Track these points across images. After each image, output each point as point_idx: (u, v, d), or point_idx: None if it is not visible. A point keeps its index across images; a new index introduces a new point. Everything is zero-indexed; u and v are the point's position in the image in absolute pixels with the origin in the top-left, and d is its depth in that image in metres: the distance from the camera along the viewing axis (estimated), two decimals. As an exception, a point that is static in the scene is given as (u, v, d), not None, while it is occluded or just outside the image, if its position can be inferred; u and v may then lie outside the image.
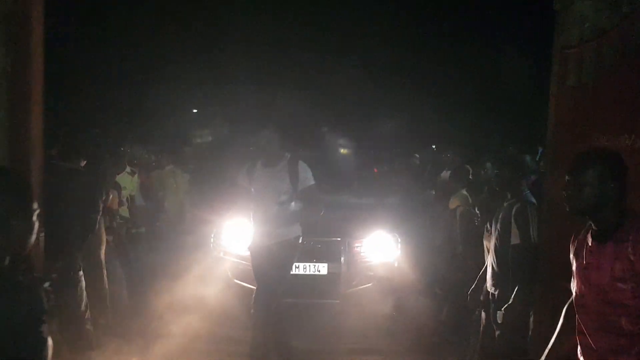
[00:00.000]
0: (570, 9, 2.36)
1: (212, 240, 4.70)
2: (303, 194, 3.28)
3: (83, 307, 2.88)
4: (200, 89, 5.15)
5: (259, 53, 5.74)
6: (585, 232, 1.68)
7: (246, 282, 4.26)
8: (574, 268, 1.70)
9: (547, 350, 1.82)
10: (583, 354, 1.67)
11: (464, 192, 3.80)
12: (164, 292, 3.97)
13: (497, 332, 2.69)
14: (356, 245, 4.34)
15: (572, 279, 1.71)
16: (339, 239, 4.32)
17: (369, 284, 4.26)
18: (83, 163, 3.03)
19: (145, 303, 3.94)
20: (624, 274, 1.51)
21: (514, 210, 2.57)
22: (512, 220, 2.53)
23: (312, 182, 3.32)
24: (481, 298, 2.85)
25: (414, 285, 4.16)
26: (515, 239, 2.52)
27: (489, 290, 2.75)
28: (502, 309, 2.54)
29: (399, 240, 4.44)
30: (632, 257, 1.49)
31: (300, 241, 3.38)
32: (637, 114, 2.09)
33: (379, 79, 5.01)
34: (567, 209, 1.63)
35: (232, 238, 4.49)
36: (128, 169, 4.54)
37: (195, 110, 4.92)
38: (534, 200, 2.56)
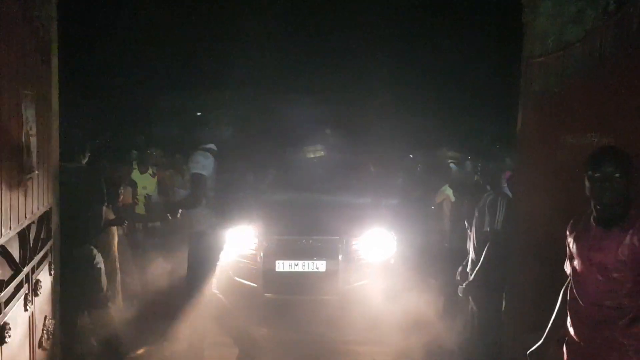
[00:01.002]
0: (536, 22, 2.71)
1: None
2: None
3: (104, 291, 3.27)
4: (205, 92, 5.45)
5: (260, 53, 6.04)
6: (587, 219, 1.92)
7: (246, 280, 4.55)
8: (574, 250, 1.94)
9: (547, 330, 2.06)
10: (572, 325, 1.93)
11: (447, 187, 4.24)
12: (171, 286, 4.30)
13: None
14: (354, 243, 4.53)
15: (570, 260, 1.96)
16: (337, 237, 4.51)
17: (366, 281, 4.44)
18: (84, 161, 3.40)
19: (152, 294, 4.25)
20: (626, 257, 1.76)
21: (488, 200, 2.92)
22: (486, 210, 2.87)
23: (191, 171, 3.42)
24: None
25: (410, 280, 4.46)
26: (486, 226, 2.86)
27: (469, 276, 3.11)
28: (463, 284, 2.91)
29: (395, 237, 4.66)
30: (636, 243, 1.75)
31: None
32: (602, 115, 2.39)
33: (377, 83, 5.30)
34: (601, 201, 1.80)
35: (232, 239, 4.90)
36: (150, 170, 5.05)
37: (199, 114, 5.22)
38: (508, 192, 2.90)
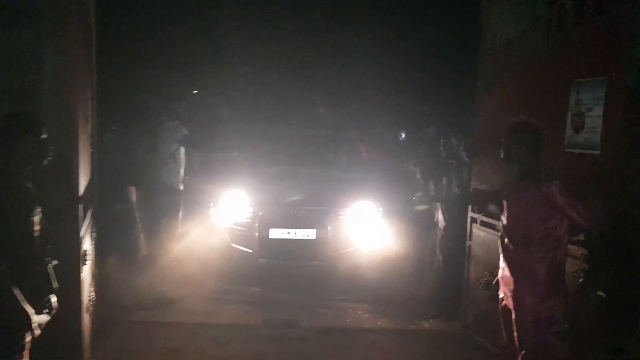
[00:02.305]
0: (489, 22, 3.36)
1: (211, 209, 5.61)
2: None
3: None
4: (200, 70, 5.88)
5: (251, 31, 6.44)
6: (513, 180, 2.53)
7: (242, 246, 5.03)
8: (505, 206, 2.56)
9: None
10: (504, 258, 2.54)
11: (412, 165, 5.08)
12: (173, 252, 4.91)
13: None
14: (342, 213, 5.02)
15: (503, 214, 2.57)
16: (327, 207, 5.01)
17: (353, 248, 4.95)
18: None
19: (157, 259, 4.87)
20: (533, 202, 2.37)
21: (452, 167, 3.61)
22: (452, 175, 3.57)
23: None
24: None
25: (393, 248, 5.13)
26: (454, 187, 3.56)
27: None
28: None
29: (381, 209, 5.19)
30: (538, 195, 2.35)
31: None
32: (529, 100, 3.09)
33: (368, 65, 5.78)
34: (504, 159, 2.50)
35: (229, 207, 5.21)
36: None
37: (195, 92, 5.63)
38: (468, 160, 3.63)
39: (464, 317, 3.84)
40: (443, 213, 4.11)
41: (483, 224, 3.50)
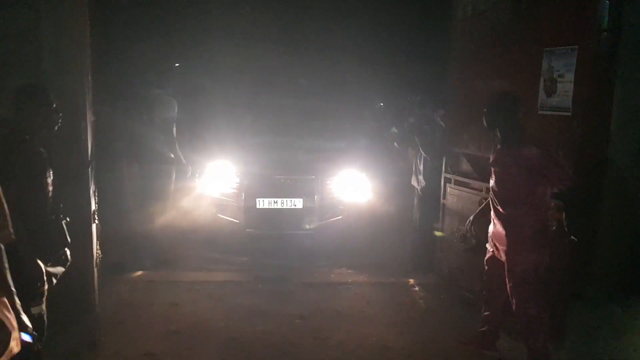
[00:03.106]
0: None
1: (197, 179, 6.29)
2: None
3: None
4: (181, 42, 6.45)
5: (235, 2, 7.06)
6: (497, 147, 3.15)
7: (228, 217, 5.69)
8: (492, 172, 3.18)
9: (471, 218, 3.46)
10: (495, 217, 3.19)
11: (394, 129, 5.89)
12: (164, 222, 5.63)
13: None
14: (328, 182, 5.69)
15: (492, 178, 3.20)
16: (313, 176, 5.65)
17: (340, 217, 5.65)
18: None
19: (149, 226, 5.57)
20: (517, 166, 2.95)
21: (429, 132, 4.44)
22: (428, 137, 4.44)
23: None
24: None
25: (377, 213, 5.92)
26: (429, 151, 4.45)
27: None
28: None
29: (367, 178, 5.89)
30: (520, 159, 2.94)
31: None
32: (501, 68, 3.81)
33: (348, 38, 6.48)
34: (486, 126, 3.10)
35: (215, 177, 5.87)
36: None
37: (177, 65, 6.22)
38: (442, 124, 4.48)
39: (439, 269, 4.70)
40: (419, 175, 4.96)
41: (457, 183, 4.32)
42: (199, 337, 3.65)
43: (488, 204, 3.38)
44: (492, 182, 3.24)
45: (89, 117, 3.53)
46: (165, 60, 5.93)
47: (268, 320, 3.91)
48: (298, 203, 5.66)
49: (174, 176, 5.51)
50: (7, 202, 2.38)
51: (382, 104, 7.11)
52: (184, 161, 5.63)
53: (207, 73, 6.61)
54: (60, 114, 3.01)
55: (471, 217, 3.55)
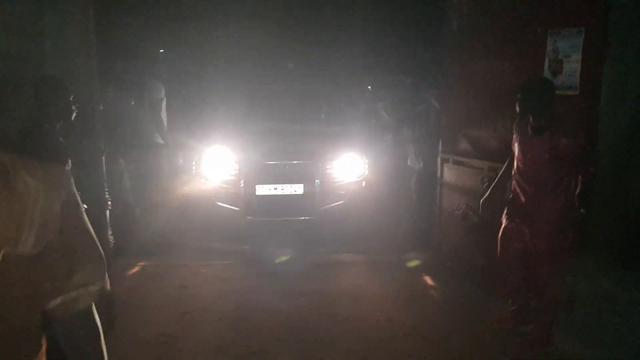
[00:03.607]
0: None
1: (194, 166, 6.70)
2: None
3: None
4: (170, 25, 6.85)
5: None
6: (524, 126, 3.43)
7: (228, 204, 6.05)
8: (516, 145, 3.48)
9: (493, 185, 3.77)
10: (520, 190, 3.46)
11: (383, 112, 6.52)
12: (158, 213, 6.09)
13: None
14: (328, 167, 6.07)
15: (514, 150, 3.51)
16: (313, 161, 6.01)
17: (341, 202, 6.06)
18: None
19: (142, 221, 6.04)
20: (549, 155, 3.25)
21: (424, 113, 4.92)
22: (424, 119, 4.91)
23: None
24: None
25: (379, 198, 6.40)
26: (419, 130, 4.89)
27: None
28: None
29: (366, 161, 6.35)
30: (555, 146, 3.23)
31: None
32: (503, 49, 4.24)
33: (343, 20, 6.99)
34: (519, 112, 3.32)
35: (213, 164, 6.22)
36: None
37: (162, 50, 6.62)
38: (437, 105, 4.99)
39: (438, 247, 5.20)
40: (416, 156, 5.44)
41: (455, 162, 4.79)
42: (210, 317, 4.11)
43: (498, 184, 3.79)
44: (518, 162, 3.54)
45: (99, 107, 3.96)
46: (158, 47, 6.37)
47: (274, 300, 4.39)
48: (298, 189, 6.02)
49: (164, 161, 5.95)
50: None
51: (370, 87, 7.64)
52: (169, 146, 6.08)
53: (203, 59, 7.08)
54: (77, 104, 3.42)
55: (483, 199, 3.86)
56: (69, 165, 3.29)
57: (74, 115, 3.39)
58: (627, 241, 4.04)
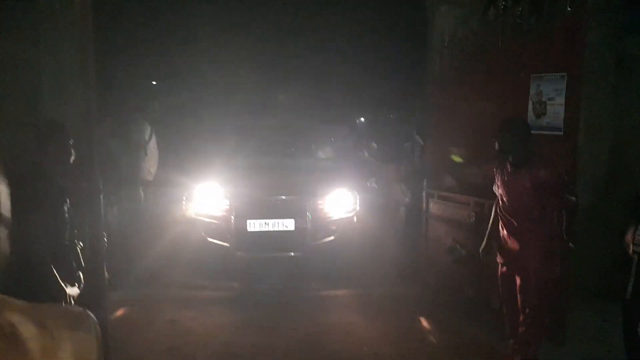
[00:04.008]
0: (435, 22, 5.10)
1: (183, 202, 7.08)
2: None
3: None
4: (161, 62, 7.38)
5: (222, 31, 8.05)
6: (504, 163, 3.85)
7: (218, 240, 6.35)
8: (499, 182, 3.88)
9: (487, 233, 4.13)
10: (504, 227, 3.86)
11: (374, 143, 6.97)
12: (149, 249, 6.44)
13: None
14: (319, 202, 6.41)
15: (497, 188, 3.91)
16: (305, 197, 6.34)
17: (332, 237, 6.39)
18: None
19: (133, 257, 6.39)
20: (530, 185, 3.62)
21: (409, 150, 5.40)
22: (409, 156, 5.39)
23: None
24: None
25: (369, 232, 6.77)
26: (410, 168, 5.37)
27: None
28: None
29: (357, 196, 6.76)
30: (535, 178, 3.62)
31: None
32: (485, 90, 4.73)
33: (334, 62, 7.71)
34: (500, 150, 3.73)
35: (203, 199, 6.57)
36: None
37: (154, 82, 7.11)
38: (421, 141, 5.46)
39: (425, 279, 5.58)
40: (403, 191, 5.88)
41: (440, 197, 5.22)
42: (199, 352, 4.43)
43: (491, 231, 4.14)
44: (502, 196, 3.93)
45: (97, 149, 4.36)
46: (150, 80, 6.89)
47: (264, 334, 4.72)
48: (290, 224, 6.33)
49: (152, 197, 6.36)
50: (31, 228, 3.18)
51: (362, 119, 8.24)
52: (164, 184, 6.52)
53: (195, 95, 7.60)
54: (75, 148, 3.80)
55: (481, 249, 4.22)
56: (67, 205, 3.67)
57: (73, 157, 3.77)
58: (610, 272, 4.41)
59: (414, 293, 5.72)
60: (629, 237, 3.25)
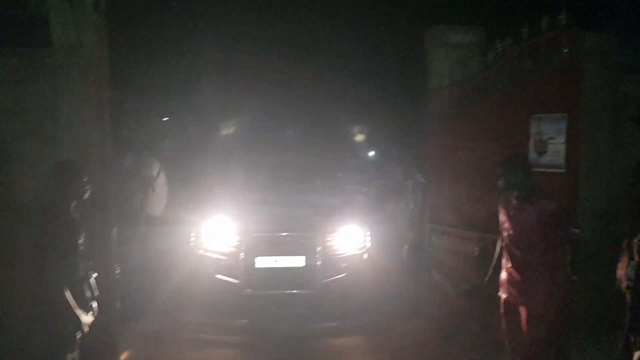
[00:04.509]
0: (433, 64, 5.56)
1: (192, 239, 7.27)
2: None
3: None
4: (172, 99, 7.91)
5: (228, 63, 8.65)
6: (509, 198, 4.24)
7: (227, 276, 6.66)
8: (504, 217, 4.25)
9: (491, 267, 4.51)
10: (509, 260, 4.16)
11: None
12: (155, 289, 6.81)
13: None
14: (329, 238, 6.72)
15: (502, 223, 4.25)
16: (315, 233, 6.60)
17: (343, 274, 6.67)
18: None
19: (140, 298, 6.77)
20: (536, 218, 3.99)
21: (410, 187, 5.83)
22: (411, 193, 5.79)
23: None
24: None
25: (383, 273, 7.08)
26: (412, 205, 5.77)
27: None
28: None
29: (368, 233, 7.01)
30: (540, 212, 4.00)
31: None
32: (486, 130, 5.15)
33: (340, 99, 8.35)
34: (503, 186, 4.16)
35: (211, 236, 6.92)
36: None
37: (165, 119, 7.64)
38: (423, 180, 5.90)
39: (429, 314, 6.02)
40: (408, 229, 6.32)
41: (443, 233, 5.64)
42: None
43: (496, 264, 4.52)
44: (507, 230, 4.29)
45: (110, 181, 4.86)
46: (159, 120, 7.41)
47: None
48: (300, 261, 6.64)
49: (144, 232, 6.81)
50: (50, 261, 3.66)
51: (373, 152, 8.80)
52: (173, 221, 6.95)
53: (204, 129, 8.11)
54: (89, 185, 4.27)
55: (485, 281, 4.63)
56: (82, 238, 4.13)
57: (87, 194, 4.25)
58: (609, 307, 4.71)
59: (416, 325, 6.24)
60: (620, 272, 3.59)
